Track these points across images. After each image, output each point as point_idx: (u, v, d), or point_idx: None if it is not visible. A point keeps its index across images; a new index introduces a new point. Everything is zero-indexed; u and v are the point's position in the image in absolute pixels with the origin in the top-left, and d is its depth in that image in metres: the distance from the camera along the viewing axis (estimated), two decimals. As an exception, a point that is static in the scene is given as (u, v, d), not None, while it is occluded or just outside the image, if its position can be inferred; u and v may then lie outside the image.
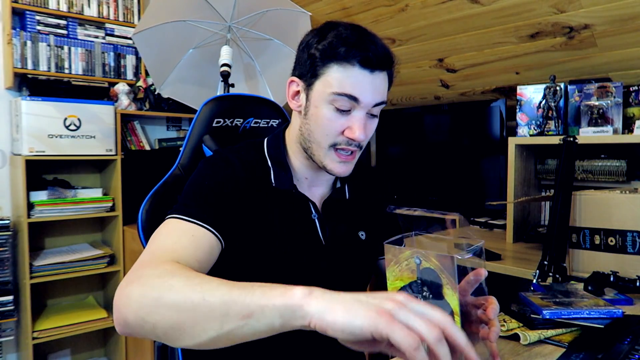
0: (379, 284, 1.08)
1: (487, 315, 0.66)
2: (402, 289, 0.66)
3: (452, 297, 0.60)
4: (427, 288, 0.63)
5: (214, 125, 1.05)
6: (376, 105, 0.80)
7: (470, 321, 0.68)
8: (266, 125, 1.12)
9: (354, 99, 0.78)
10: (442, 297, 0.62)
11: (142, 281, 0.62)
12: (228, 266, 0.83)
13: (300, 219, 0.88)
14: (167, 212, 0.79)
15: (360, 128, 0.79)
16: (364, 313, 0.48)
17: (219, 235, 0.78)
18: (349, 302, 0.50)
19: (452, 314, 0.61)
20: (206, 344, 0.57)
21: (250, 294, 0.54)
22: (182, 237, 0.73)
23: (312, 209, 0.89)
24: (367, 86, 0.78)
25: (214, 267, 0.86)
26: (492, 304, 0.66)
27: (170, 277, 0.62)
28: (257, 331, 0.54)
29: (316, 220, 0.89)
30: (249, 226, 0.83)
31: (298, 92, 0.84)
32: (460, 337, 0.48)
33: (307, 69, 0.81)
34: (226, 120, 1.06)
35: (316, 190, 0.92)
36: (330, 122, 0.79)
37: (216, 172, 0.83)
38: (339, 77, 0.77)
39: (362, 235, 0.95)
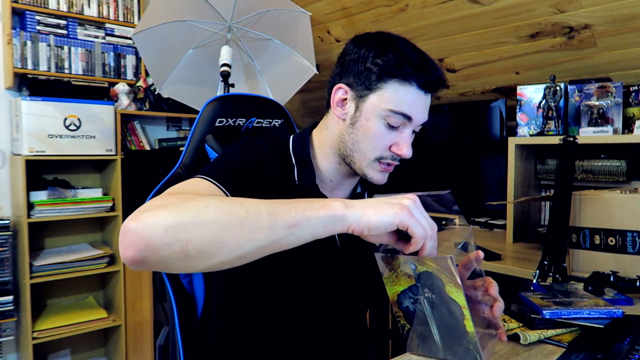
0: (381, 296, 1.08)
1: (490, 294, 0.69)
2: (403, 293, 0.66)
3: (457, 294, 0.61)
4: (428, 289, 0.64)
5: (216, 125, 1.05)
6: (421, 124, 0.83)
7: (473, 303, 0.69)
8: (269, 125, 1.12)
9: (408, 117, 0.80)
10: (446, 295, 0.62)
11: (167, 207, 0.59)
12: None
13: None
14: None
15: (408, 145, 0.81)
16: (391, 211, 0.60)
17: None
18: (377, 205, 0.62)
19: (460, 309, 0.61)
20: (246, 256, 0.59)
21: (293, 208, 0.61)
22: (200, 189, 0.73)
23: None
24: (421, 106, 0.81)
25: None
26: (492, 283, 0.70)
27: (201, 199, 0.61)
28: (301, 239, 0.61)
29: None
30: None
31: (344, 100, 0.84)
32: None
33: (362, 80, 0.81)
34: (229, 120, 1.06)
35: (337, 193, 0.92)
36: (381, 136, 0.81)
37: (247, 151, 0.84)
38: (397, 95, 0.78)
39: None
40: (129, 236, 0.57)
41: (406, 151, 0.81)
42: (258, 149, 0.85)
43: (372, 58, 0.79)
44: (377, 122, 0.80)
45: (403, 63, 0.77)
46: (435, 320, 0.65)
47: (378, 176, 0.84)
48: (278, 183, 0.84)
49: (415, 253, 0.63)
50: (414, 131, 0.84)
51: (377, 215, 0.60)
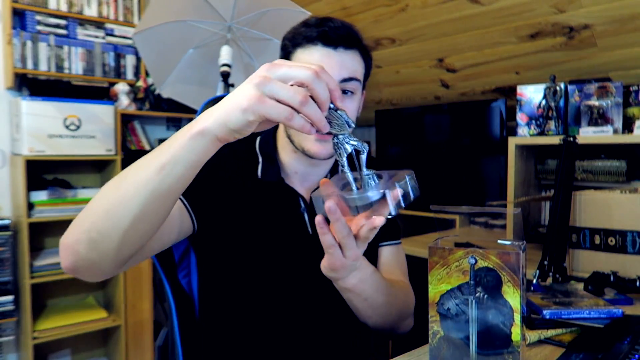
0: None
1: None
2: (450, 292, 0.63)
3: (512, 295, 0.58)
4: (481, 288, 0.61)
5: (214, 125, 1.05)
6: (345, 80, 0.81)
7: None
8: (266, 125, 1.12)
9: None
10: (499, 295, 0.59)
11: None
12: (212, 257, 0.86)
13: (288, 212, 0.89)
14: None
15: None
16: (239, 105, 0.51)
17: (191, 212, 0.81)
18: (225, 103, 0.53)
19: (512, 313, 0.59)
20: (141, 216, 0.57)
21: (159, 149, 0.57)
22: None
23: (301, 202, 0.90)
24: (332, 62, 0.80)
25: (198, 259, 0.89)
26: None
27: (101, 189, 0.62)
28: (181, 176, 0.56)
29: (305, 214, 0.89)
30: (230, 215, 0.85)
31: None
32: (322, 93, 0.52)
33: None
34: (226, 120, 1.06)
35: (308, 185, 0.93)
36: None
37: None
38: (304, 58, 0.81)
39: None
40: (60, 251, 0.60)
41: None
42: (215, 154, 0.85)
43: (285, 39, 0.85)
44: None
45: (299, 27, 0.82)
46: (479, 324, 0.61)
47: (315, 147, 0.82)
48: (240, 182, 0.87)
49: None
50: (348, 92, 0.82)
51: (230, 117, 0.52)
